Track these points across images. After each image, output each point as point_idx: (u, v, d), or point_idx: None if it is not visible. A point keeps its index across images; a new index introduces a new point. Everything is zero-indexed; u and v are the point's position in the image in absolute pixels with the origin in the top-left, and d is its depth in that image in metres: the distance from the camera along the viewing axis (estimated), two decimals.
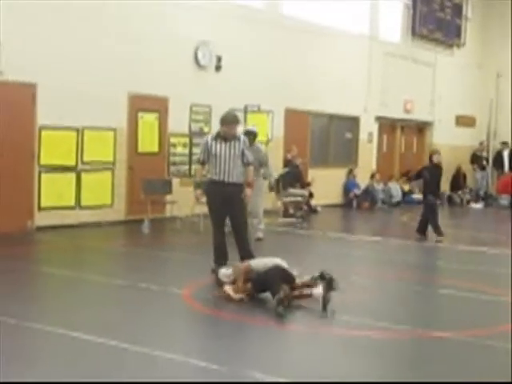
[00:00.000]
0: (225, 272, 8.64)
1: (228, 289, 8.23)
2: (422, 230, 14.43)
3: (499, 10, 26.34)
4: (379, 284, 9.15)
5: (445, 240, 13.90)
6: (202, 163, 9.84)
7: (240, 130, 9.95)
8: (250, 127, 14.08)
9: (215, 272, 9.50)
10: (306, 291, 7.96)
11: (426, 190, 14.55)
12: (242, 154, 9.51)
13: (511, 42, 24.96)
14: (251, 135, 13.09)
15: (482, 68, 26.79)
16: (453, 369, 6.05)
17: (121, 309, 7.89)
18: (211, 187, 9.63)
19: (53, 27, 13.48)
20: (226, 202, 9.50)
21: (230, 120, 9.57)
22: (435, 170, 14.59)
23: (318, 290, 7.76)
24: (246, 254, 9.59)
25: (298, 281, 8.19)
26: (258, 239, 13.15)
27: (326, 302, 7.58)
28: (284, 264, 8.34)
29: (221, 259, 9.73)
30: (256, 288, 8.12)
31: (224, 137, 9.50)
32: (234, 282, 8.33)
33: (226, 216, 9.78)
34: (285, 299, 7.47)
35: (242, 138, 9.72)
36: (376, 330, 7.07)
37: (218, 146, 9.48)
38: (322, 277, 8.03)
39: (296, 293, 7.95)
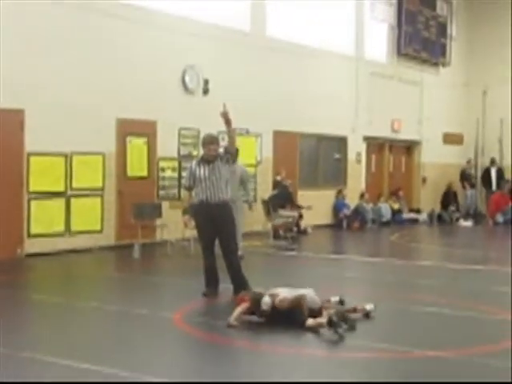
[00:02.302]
0: (266, 300, 8.12)
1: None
2: None
3: (484, 28, 26.58)
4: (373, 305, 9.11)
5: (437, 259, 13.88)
6: (189, 189, 9.97)
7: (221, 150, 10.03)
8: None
9: (206, 295, 9.49)
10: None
11: None
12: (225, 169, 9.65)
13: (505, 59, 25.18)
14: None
15: (468, 86, 26.97)
16: None
17: (112, 335, 7.84)
18: (199, 210, 9.70)
19: (40, 53, 13.50)
20: (214, 223, 9.55)
21: (208, 141, 9.73)
22: None
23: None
24: (238, 281, 9.57)
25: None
26: (240, 257, 13.16)
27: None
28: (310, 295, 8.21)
29: (212, 282, 9.72)
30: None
31: (207, 159, 9.60)
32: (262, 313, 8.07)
33: (215, 238, 9.78)
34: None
35: (221, 154, 9.76)
36: (372, 352, 7.05)
37: (202, 169, 9.60)
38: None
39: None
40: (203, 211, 9.60)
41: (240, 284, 9.48)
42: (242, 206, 13.85)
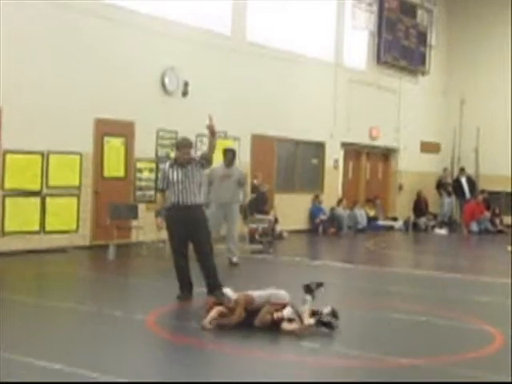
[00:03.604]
0: (229, 294, 8.29)
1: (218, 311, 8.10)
2: None
3: (463, 38, 26.80)
4: (347, 311, 9.13)
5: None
6: (162, 190, 10.02)
7: (193, 153, 10.07)
8: (229, 146, 14.25)
9: (180, 298, 9.49)
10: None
11: None
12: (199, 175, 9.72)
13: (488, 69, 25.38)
14: (230, 153, 13.31)
15: (446, 95, 27.17)
16: None
17: (84, 336, 7.78)
18: (171, 212, 9.72)
19: (19, 53, 13.42)
20: (188, 226, 9.55)
21: (182, 144, 9.78)
22: None
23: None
24: (212, 282, 9.57)
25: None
26: (235, 264, 13.18)
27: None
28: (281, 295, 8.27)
29: (184, 286, 9.71)
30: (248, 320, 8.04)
31: (180, 162, 9.62)
32: (230, 310, 8.17)
33: (187, 241, 9.76)
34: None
35: (197, 159, 9.80)
36: (346, 358, 7.07)
37: (175, 172, 9.62)
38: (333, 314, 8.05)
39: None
40: (175, 214, 9.63)
41: (214, 286, 9.47)
42: (238, 209, 13.79)
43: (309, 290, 8.28)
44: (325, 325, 7.83)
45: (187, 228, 9.56)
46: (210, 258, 9.74)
